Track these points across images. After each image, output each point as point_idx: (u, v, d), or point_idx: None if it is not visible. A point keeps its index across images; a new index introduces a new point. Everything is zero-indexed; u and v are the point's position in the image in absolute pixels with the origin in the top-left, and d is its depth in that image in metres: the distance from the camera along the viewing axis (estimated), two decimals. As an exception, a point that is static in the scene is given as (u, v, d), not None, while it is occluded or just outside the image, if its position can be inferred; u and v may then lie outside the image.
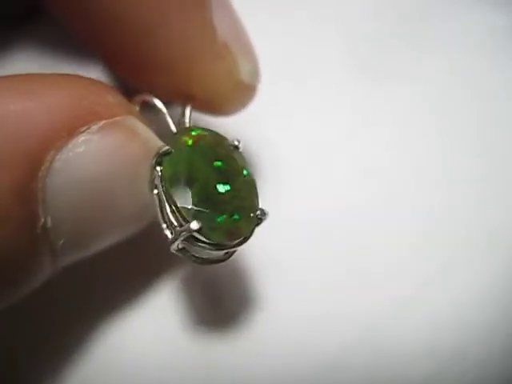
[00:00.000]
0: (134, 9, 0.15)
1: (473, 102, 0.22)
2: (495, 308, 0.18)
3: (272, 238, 0.18)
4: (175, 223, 0.14)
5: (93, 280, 0.18)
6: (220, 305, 0.18)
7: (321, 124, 0.22)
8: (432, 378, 0.17)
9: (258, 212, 0.15)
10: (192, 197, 0.14)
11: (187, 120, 0.16)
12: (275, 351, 0.18)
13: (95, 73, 0.20)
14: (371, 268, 0.19)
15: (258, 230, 0.15)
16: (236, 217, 0.14)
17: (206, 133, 0.15)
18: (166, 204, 0.14)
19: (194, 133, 0.15)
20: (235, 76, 0.16)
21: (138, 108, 0.16)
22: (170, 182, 0.14)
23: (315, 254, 0.19)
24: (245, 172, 0.15)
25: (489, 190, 0.20)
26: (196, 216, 0.14)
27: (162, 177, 0.14)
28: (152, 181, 0.14)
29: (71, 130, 0.13)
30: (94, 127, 0.13)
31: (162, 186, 0.14)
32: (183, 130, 0.16)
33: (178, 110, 0.16)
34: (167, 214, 0.14)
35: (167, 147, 0.14)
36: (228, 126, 0.18)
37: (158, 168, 0.14)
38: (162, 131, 0.15)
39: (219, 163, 0.15)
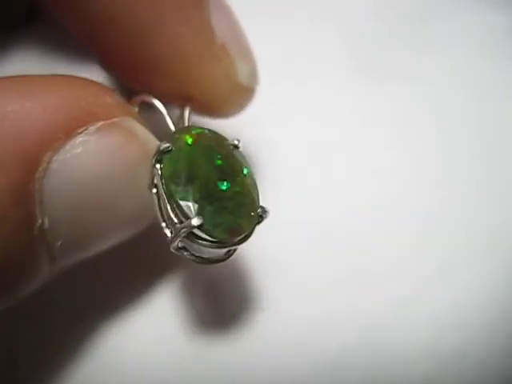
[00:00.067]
0: (128, 9, 0.15)
1: (473, 102, 0.22)
2: (495, 308, 0.18)
3: (272, 237, 0.18)
4: (175, 220, 0.14)
5: (93, 280, 0.18)
6: (220, 305, 0.18)
7: (321, 124, 0.22)
8: (432, 378, 0.17)
9: (259, 210, 0.15)
10: (193, 194, 0.14)
11: (186, 122, 0.16)
12: (275, 351, 0.18)
13: (95, 73, 0.20)
14: (371, 268, 0.19)
15: (257, 229, 0.15)
16: (237, 214, 0.14)
17: (206, 132, 0.15)
18: (166, 202, 0.14)
19: (194, 131, 0.15)
20: (233, 78, 0.16)
21: (137, 109, 0.16)
22: (170, 180, 0.14)
23: (315, 254, 0.19)
24: (245, 171, 0.15)
25: (489, 190, 0.20)
26: (197, 212, 0.14)
27: (161, 175, 0.14)
28: (151, 180, 0.14)
29: (69, 131, 0.13)
30: (92, 128, 0.13)
31: (162, 184, 0.14)
32: (183, 129, 0.16)
33: (177, 110, 0.16)
34: (167, 212, 0.14)
35: (167, 144, 0.14)
36: (228, 125, 0.18)
37: (158, 166, 0.14)
38: (162, 131, 0.15)
39: (220, 162, 0.15)
